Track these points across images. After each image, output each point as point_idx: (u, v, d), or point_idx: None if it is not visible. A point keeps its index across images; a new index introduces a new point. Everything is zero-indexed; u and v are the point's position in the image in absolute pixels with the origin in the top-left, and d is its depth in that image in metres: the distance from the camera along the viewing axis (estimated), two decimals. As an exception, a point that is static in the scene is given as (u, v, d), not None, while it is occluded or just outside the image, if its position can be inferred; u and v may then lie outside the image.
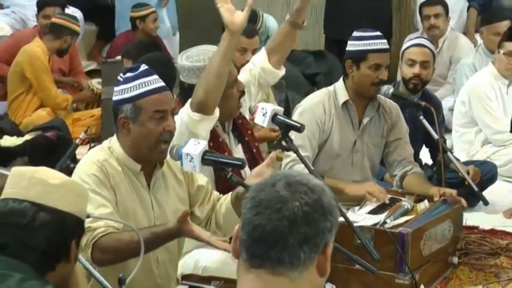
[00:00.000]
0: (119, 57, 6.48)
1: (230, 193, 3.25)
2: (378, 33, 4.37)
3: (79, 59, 7.56)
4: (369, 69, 4.29)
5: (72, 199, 2.32)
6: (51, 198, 2.28)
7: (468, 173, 4.67)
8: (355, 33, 4.38)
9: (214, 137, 3.63)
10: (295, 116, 4.36)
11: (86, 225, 2.82)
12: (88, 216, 2.58)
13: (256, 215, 1.67)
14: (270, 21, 7.95)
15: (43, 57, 6.64)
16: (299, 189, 1.69)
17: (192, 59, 3.70)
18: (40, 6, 7.18)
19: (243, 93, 3.77)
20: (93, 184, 3.03)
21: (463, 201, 4.30)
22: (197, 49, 3.76)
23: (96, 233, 2.96)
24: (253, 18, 7.25)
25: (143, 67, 3.12)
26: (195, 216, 3.25)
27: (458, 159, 4.80)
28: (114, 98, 3.12)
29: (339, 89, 4.40)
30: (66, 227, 2.30)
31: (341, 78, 4.45)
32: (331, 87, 4.46)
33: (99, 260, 2.96)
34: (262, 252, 1.66)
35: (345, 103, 4.37)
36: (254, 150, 3.88)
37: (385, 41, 4.37)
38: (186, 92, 3.70)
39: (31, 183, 2.29)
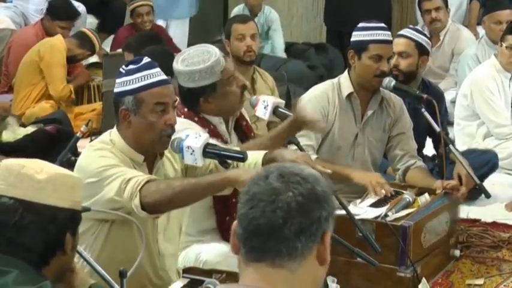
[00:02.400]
0: (119, 50, 6.47)
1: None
2: (382, 24, 4.36)
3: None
4: (370, 59, 4.27)
5: (62, 192, 2.30)
6: (39, 194, 2.27)
7: (460, 178, 4.62)
8: (360, 24, 4.38)
9: (215, 135, 3.61)
10: (299, 107, 4.35)
11: (122, 177, 2.88)
12: (88, 209, 2.57)
13: (251, 208, 1.67)
14: (271, 13, 7.96)
15: (63, 52, 6.67)
16: (292, 179, 1.69)
17: (188, 62, 3.63)
18: (61, 18, 7.14)
19: (244, 87, 3.69)
20: (110, 161, 3.02)
21: (463, 190, 4.29)
22: (192, 51, 3.68)
23: (141, 180, 2.92)
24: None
25: (146, 59, 3.12)
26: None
27: (458, 150, 4.76)
28: (116, 90, 3.12)
29: (344, 81, 4.38)
30: (57, 222, 2.28)
31: (346, 71, 4.44)
32: (335, 79, 4.44)
33: (148, 203, 2.90)
34: (259, 246, 1.67)
35: (349, 95, 4.36)
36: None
37: (388, 32, 4.36)
38: (185, 95, 3.66)
39: (18, 179, 2.28)
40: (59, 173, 2.35)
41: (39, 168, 2.31)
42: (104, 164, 3.01)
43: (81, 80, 7.13)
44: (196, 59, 3.61)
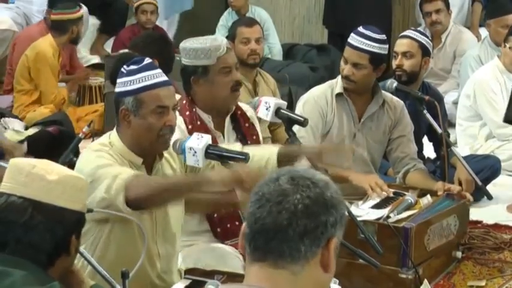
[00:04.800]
0: (121, 51, 6.47)
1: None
2: (364, 31, 4.30)
3: (76, 56, 7.57)
4: (342, 61, 4.35)
5: (71, 194, 2.31)
6: (49, 195, 2.27)
7: (460, 183, 4.61)
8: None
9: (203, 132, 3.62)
10: (299, 108, 4.37)
11: (111, 175, 2.88)
12: (91, 210, 2.57)
13: (259, 208, 1.69)
14: (260, 12, 7.96)
15: (52, 56, 6.64)
16: (302, 183, 1.70)
17: (193, 41, 3.69)
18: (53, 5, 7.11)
19: (238, 83, 3.69)
20: (104, 161, 3.01)
21: (469, 196, 4.29)
22: (206, 36, 3.75)
23: (127, 176, 2.93)
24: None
25: (147, 60, 3.11)
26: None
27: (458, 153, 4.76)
28: (117, 90, 3.13)
29: (339, 82, 4.42)
30: (65, 224, 2.29)
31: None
32: (334, 80, 4.47)
33: (131, 198, 2.89)
34: (263, 245, 1.68)
35: (341, 95, 4.37)
36: (249, 142, 3.82)
37: (363, 40, 4.27)
38: (181, 72, 3.70)
39: (29, 179, 2.27)
40: (69, 175, 2.36)
41: (50, 169, 2.31)
42: (99, 164, 3.01)
43: (77, 81, 7.12)
44: (201, 40, 3.68)
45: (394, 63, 4.92)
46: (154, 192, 2.93)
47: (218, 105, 3.70)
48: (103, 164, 3.01)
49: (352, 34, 4.33)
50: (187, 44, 3.68)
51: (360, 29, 4.33)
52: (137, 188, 2.91)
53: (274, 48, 7.83)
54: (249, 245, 1.70)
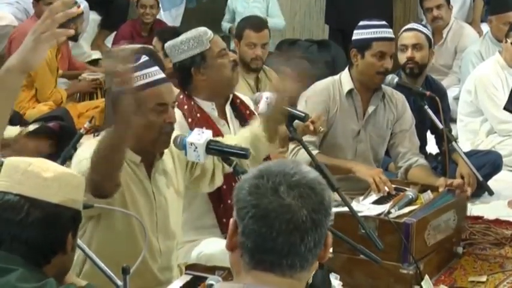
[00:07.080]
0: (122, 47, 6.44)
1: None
2: (383, 22, 4.38)
3: (73, 59, 7.57)
4: (374, 57, 4.29)
5: (67, 191, 2.30)
6: (45, 192, 2.27)
7: (463, 178, 4.61)
8: (361, 23, 4.40)
9: (206, 123, 3.61)
10: (301, 104, 4.36)
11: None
12: (91, 206, 2.57)
13: (265, 226, 1.66)
14: None
15: (49, 53, 6.60)
16: (302, 193, 1.68)
17: (180, 37, 3.71)
18: None
19: (235, 62, 3.75)
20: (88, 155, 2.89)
21: (469, 191, 4.30)
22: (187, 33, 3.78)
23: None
24: None
25: (144, 58, 3.10)
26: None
27: (460, 148, 4.76)
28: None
29: (344, 78, 4.41)
30: (61, 221, 2.28)
31: (346, 68, 4.46)
32: (336, 76, 4.47)
33: (93, 187, 2.74)
34: (272, 260, 1.68)
35: (350, 92, 4.37)
36: None
37: (390, 30, 4.39)
38: (179, 71, 3.71)
39: (24, 177, 2.27)
40: (64, 172, 2.36)
41: (45, 167, 2.31)
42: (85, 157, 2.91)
43: (80, 89, 7.10)
44: (182, 35, 3.71)
45: (405, 56, 4.92)
46: (97, 165, 2.76)
47: (222, 88, 3.73)
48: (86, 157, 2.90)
49: (379, 29, 4.33)
50: (173, 41, 3.70)
51: (376, 21, 4.38)
52: (89, 176, 2.74)
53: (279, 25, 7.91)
54: (252, 257, 1.68)
